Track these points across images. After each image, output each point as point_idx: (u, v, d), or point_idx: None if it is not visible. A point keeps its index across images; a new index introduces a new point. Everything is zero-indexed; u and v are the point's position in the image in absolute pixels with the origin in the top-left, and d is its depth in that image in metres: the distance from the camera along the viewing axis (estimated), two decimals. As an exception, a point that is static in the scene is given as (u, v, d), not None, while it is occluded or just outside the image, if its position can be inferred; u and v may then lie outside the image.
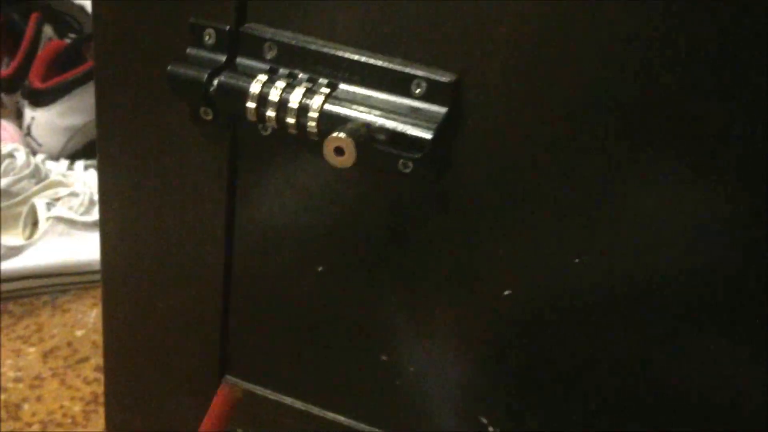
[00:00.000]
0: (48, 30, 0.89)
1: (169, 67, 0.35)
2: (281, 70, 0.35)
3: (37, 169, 0.76)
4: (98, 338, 0.68)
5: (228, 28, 0.35)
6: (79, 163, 0.80)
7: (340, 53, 0.34)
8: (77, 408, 0.62)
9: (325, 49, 0.34)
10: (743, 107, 0.31)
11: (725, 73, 0.30)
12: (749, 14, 0.29)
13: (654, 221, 0.34)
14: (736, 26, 0.29)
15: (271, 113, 0.34)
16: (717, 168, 0.32)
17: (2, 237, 0.72)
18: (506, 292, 0.38)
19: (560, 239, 0.36)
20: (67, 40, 0.89)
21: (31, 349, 0.67)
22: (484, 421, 0.42)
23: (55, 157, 0.81)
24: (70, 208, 0.73)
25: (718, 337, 0.35)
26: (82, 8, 0.95)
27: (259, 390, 0.46)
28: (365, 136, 0.33)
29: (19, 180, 0.74)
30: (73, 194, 0.74)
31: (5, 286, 0.71)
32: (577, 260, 0.36)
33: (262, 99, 0.34)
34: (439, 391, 0.42)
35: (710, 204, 0.33)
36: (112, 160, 0.42)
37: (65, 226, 0.73)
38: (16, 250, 0.71)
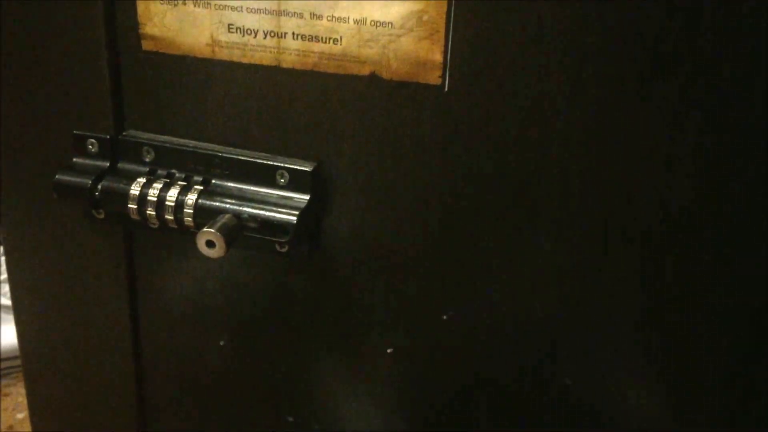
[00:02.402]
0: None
1: (56, 176, 0.38)
2: (159, 171, 0.38)
3: (-30, 258, 0.78)
4: (38, 420, 0.70)
5: (108, 136, 0.39)
6: (13, 248, 0.82)
7: (210, 151, 0.38)
8: (17, 491, 0.63)
9: (198, 149, 0.38)
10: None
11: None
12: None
13: (501, 279, 0.38)
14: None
15: (151, 212, 0.37)
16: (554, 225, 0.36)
17: (-62, 328, 0.74)
18: (389, 350, 0.42)
19: (427, 299, 0.40)
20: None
21: (-28, 437, 0.69)
22: (389, 470, 0.45)
23: (-10, 244, 0.83)
24: (4, 295, 0.75)
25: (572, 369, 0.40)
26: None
27: (180, 456, 0.49)
28: (238, 225, 0.37)
29: (-47, 271, 0.76)
30: (6, 281, 0.76)
31: (-57, 377, 0.73)
32: (444, 317, 0.40)
33: (142, 199, 0.37)
34: (344, 445, 0.45)
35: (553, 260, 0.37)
36: (19, 257, 0.45)
37: (1, 312, 0.75)
38: (-47, 340, 0.73)
